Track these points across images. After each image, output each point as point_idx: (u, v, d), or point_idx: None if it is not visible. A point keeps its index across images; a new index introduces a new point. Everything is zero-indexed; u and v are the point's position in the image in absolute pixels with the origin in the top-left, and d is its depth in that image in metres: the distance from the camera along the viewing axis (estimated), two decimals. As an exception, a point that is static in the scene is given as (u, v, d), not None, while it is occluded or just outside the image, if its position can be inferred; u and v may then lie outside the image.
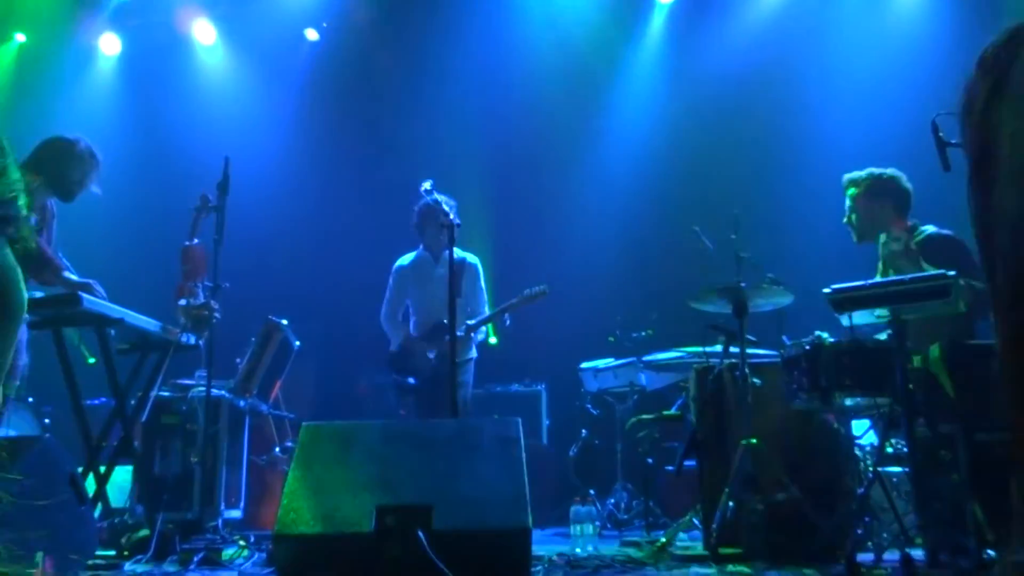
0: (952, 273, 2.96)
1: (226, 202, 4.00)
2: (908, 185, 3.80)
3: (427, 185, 4.17)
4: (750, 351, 3.62)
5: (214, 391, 4.13)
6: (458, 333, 4.45)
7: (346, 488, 2.68)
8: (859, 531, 3.01)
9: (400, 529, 2.53)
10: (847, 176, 3.86)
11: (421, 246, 5.06)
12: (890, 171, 3.81)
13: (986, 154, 0.56)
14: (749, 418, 3.39)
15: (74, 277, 3.87)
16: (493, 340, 4.58)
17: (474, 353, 5.00)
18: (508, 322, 4.88)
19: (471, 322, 4.94)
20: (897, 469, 3.34)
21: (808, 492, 3.27)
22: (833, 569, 2.90)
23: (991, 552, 2.70)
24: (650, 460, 5.12)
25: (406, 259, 5.13)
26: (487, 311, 5.04)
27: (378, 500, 2.60)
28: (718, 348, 3.73)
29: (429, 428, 3.13)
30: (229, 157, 4.03)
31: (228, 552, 3.53)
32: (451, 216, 3.97)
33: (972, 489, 2.84)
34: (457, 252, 4.52)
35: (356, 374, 6.74)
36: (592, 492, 5.40)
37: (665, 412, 4.58)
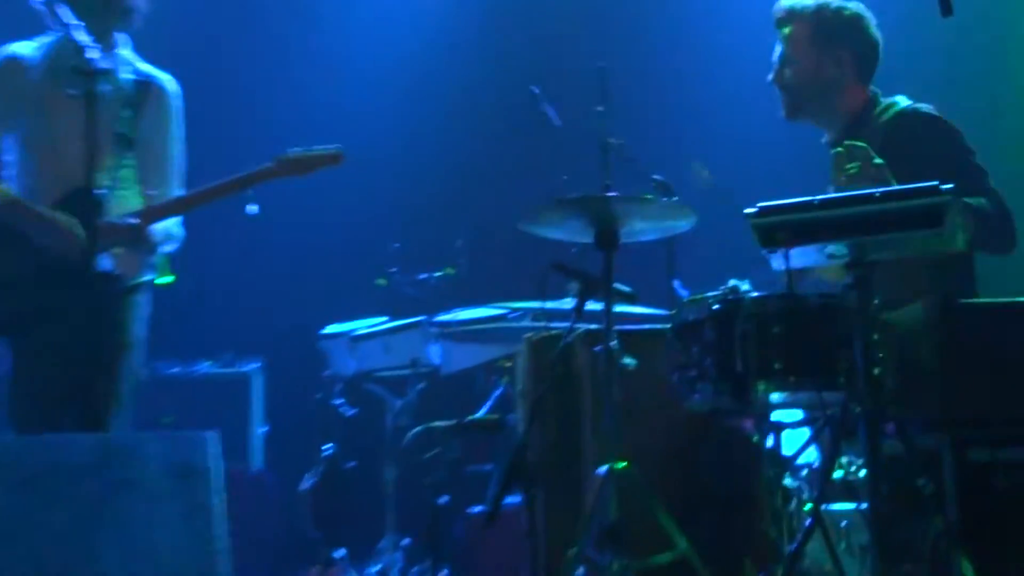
0: (948, 187, 2.19)
1: None
2: (876, 33, 3.09)
3: None
4: (621, 310, 2.93)
5: None
6: (130, 220, 2.75)
7: None
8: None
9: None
10: (783, 4, 3.12)
11: (69, 30, 2.65)
12: (852, 5, 3.10)
13: None
14: (616, 425, 2.66)
15: None
16: (167, 279, 2.96)
17: (149, 274, 3.05)
18: (257, 210, 2.90)
19: (160, 200, 2.95)
20: (849, 507, 2.68)
21: (706, 548, 2.64)
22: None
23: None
24: (444, 497, 3.80)
25: (26, 47, 3.02)
26: (177, 188, 3.03)
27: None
28: (566, 304, 3.01)
29: (37, 450, 2.16)
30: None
31: None
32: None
33: (962, 538, 2.34)
34: (142, 64, 2.95)
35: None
36: (343, 553, 4.05)
37: (473, 417, 3.47)
